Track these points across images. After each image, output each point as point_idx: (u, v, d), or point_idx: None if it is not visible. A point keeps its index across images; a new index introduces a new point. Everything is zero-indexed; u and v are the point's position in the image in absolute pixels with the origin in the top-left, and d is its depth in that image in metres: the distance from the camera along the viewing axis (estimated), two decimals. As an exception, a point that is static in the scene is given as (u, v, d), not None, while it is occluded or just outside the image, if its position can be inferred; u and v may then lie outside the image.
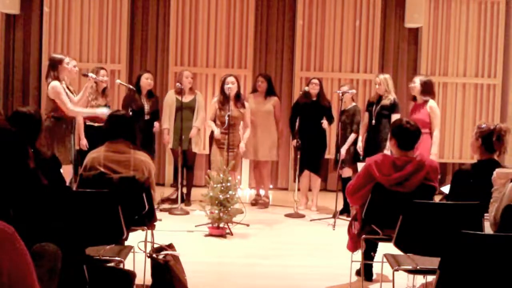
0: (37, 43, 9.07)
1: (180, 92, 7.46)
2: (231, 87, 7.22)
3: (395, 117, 6.85)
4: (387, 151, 6.69)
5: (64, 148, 6.15)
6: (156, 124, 7.79)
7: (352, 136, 7.41)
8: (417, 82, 6.90)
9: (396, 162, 4.28)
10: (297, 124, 7.50)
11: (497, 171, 3.63)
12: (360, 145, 7.35)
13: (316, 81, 7.67)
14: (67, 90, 6.46)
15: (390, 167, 4.27)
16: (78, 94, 6.59)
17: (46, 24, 8.94)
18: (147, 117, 7.57)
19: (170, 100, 7.78)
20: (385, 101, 7.06)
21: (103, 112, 6.40)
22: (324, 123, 7.54)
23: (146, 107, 7.60)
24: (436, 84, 9.11)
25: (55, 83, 6.14)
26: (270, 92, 7.99)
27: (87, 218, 3.56)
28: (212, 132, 7.60)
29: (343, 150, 7.34)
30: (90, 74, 6.57)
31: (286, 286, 4.94)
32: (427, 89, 6.87)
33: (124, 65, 8.96)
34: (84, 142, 7.01)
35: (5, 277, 1.97)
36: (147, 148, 7.39)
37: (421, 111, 6.85)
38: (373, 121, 7.13)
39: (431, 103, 6.87)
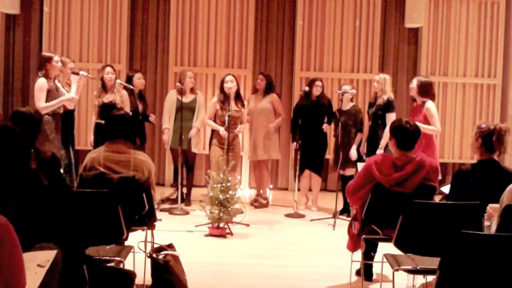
0: (37, 43, 9.07)
1: (180, 92, 7.46)
2: (230, 86, 7.21)
3: (389, 116, 6.83)
4: (380, 150, 6.69)
5: (51, 145, 6.13)
6: (151, 115, 7.82)
7: (359, 135, 7.41)
8: (414, 83, 6.83)
9: (396, 162, 4.29)
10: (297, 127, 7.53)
11: (490, 206, 3.65)
12: (362, 148, 7.35)
13: (319, 83, 7.65)
14: (61, 89, 6.45)
15: (390, 167, 4.27)
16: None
17: (46, 24, 8.94)
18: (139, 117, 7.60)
19: (171, 100, 7.80)
20: (379, 101, 7.05)
21: (68, 97, 6.37)
22: (325, 126, 7.54)
23: (140, 108, 7.60)
24: (436, 84, 9.12)
25: (40, 79, 6.17)
26: (268, 90, 7.99)
27: (87, 218, 3.56)
28: (212, 132, 7.60)
29: (354, 151, 7.31)
30: (81, 73, 6.58)
31: (286, 286, 4.94)
32: (425, 90, 6.75)
33: (124, 65, 8.95)
34: (90, 139, 7.20)
35: None
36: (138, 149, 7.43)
37: (419, 113, 6.79)
38: (370, 122, 7.14)
39: (428, 104, 6.73)
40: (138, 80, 7.69)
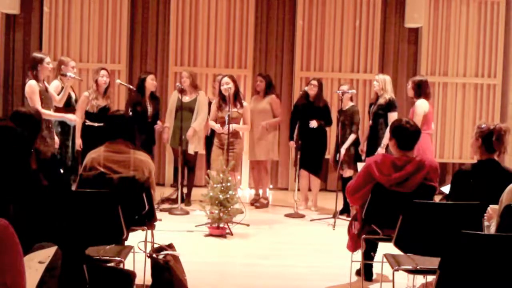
0: (37, 43, 9.07)
1: (180, 91, 7.47)
2: (226, 88, 7.14)
3: (391, 115, 6.86)
4: (382, 150, 6.70)
5: (46, 146, 6.12)
6: (159, 122, 7.83)
7: (352, 137, 7.38)
8: (410, 83, 6.98)
9: (396, 162, 4.29)
10: (296, 126, 7.52)
11: (491, 207, 3.65)
12: (361, 148, 7.35)
13: (314, 82, 7.65)
14: (50, 90, 6.44)
15: (390, 167, 4.27)
16: (78, 95, 6.64)
17: (46, 24, 8.94)
18: (149, 119, 7.59)
19: (172, 99, 7.83)
20: (381, 101, 7.06)
21: (71, 118, 6.40)
22: (312, 123, 7.49)
23: (149, 109, 7.59)
24: (436, 84, 9.14)
25: (31, 82, 6.14)
26: (268, 90, 7.99)
27: (87, 218, 3.56)
28: (209, 132, 7.60)
29: (343, 150, 7.33)
30: (69, 74, 6.58)
31: (286, 286, 4.94)
32: (419, 90, 6.90)
33: (124, 65, 8.96)
34: (79, 142, 7.02)
35: None
36: (147, 150, 7.41)
37: (411, 111, 6.89)
38: (370, 122, 7.14)
39: (417, 102, 6.86)
40: (151, 81, 7.65)
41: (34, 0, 9.07)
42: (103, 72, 7.22)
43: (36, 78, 6.17)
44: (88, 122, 7.09)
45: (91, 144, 6.52)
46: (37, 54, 6.44)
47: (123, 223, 3.74)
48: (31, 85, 6.13)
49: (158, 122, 7.83)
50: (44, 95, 6.22)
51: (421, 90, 6.90)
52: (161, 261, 4.28)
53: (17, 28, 9.13)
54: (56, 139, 6.55)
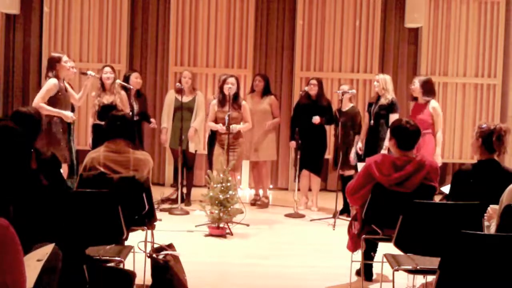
0: (37, 43, 9.07)
1: (179, 91, 7.47)
2: (231, 88, 7.15)
3: (393, 116, 6.84)
4: (384, 151, 6.70)
5: (59, 147, 6.13)
6: (152, 120, 7.82)
7: (357, 138, 7.39)
8: (416, 83, 6.92)
9: (396, 162, 4.29)
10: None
11: (492, 207, 3.65)
12: (360, 146, 7.35)
13: (314, 81, 7.65)
14: (70, 90, 6.45)
15: (390, 167, 4.27)
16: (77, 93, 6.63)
17: (46, 24, 8.94)
18: (136, 118, 7.53)
19: (169, 99, 7.82)
20: (383, 101, 7.05)
21: (67, 115, 6.34)
22: (315, 118, 7.47)
23: (135, 107, 7.56)
24: (436, 84, 9.12)
25: (52, 79, 6.14)
26: (266, 91, 8.01)
27: (87, 218, 3.56)
28: (211, 133, 7.59)
29: (353, 154, 7.32)
30: (89, 72, 6.57)
31: (286, 286, 4.94)
32: (428, 89, 6.90)
33: (124, 65, 8.95)
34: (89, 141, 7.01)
35: None
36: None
37: (424, 111, 6.85)
38: (372, 122, 7.13)
39: (434, 103, 6.89)
40: (136, 80, 7.68)
41: (34, 0, 9.07)
42: (106, 69, 7.22)
43: (56, 77, 6.17)
44: (96, 121, 7.14)
45: (99, 141, 6.54)
46: (54, 54, 6.45)
47: (123, 223, 3.74)
48: (51, 83, 6.12)
49: (152, 120, 7.84)
50: (64, 95, 6.21)
51: (430, 88, 6.91)
52: (161, 261, 4.28)
53: (17, 28, 9.13)
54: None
